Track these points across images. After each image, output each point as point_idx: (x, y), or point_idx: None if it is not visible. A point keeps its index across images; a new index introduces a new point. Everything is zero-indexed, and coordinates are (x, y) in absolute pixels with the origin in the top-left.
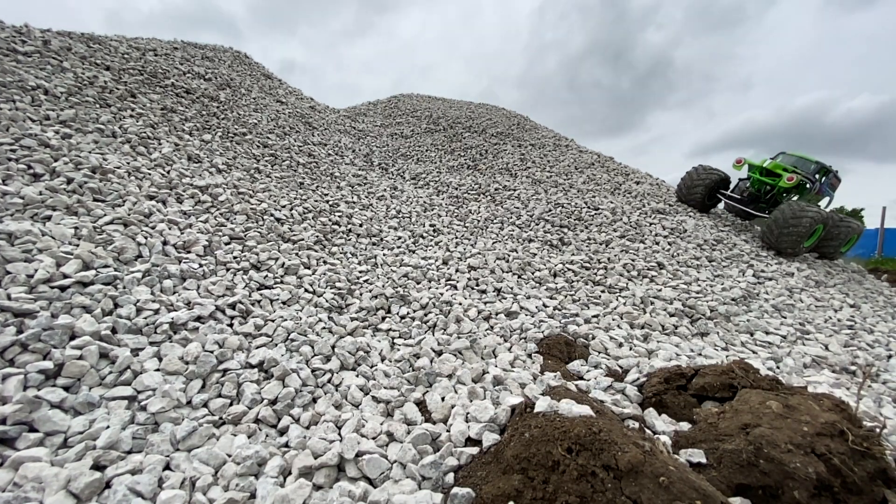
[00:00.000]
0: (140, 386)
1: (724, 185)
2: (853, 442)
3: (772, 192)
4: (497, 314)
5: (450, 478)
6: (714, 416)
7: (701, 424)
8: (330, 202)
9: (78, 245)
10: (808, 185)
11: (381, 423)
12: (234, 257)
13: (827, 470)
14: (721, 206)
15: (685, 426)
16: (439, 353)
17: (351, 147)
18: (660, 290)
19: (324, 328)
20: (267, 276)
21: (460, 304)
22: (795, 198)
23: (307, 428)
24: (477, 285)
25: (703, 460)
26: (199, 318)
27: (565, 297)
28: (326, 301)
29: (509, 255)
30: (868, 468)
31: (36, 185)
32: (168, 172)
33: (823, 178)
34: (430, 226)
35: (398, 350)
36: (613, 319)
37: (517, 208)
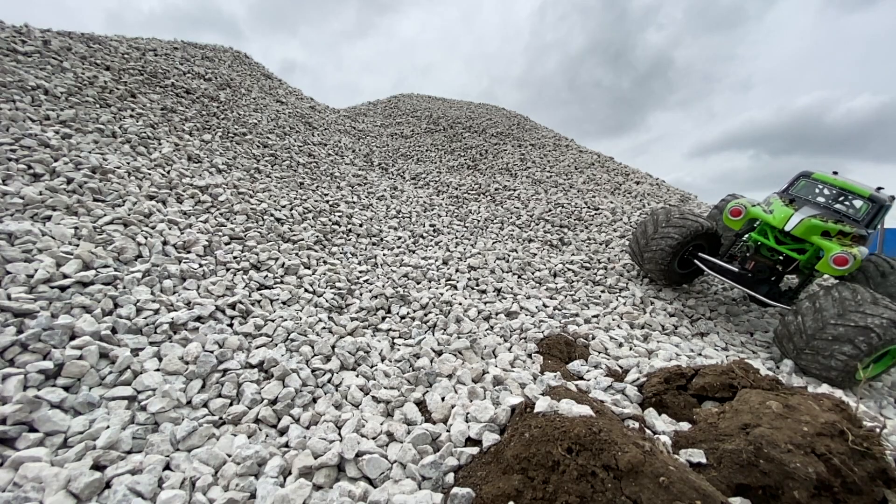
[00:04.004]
0: (140, 386)
1: (711, 244)
2: (853, 442)
3: (796, 262)
4: (497, 314)
5: (450, 478)
6: (714, 416)
7: (701, 424)
8: (330, 202)
9: (78, 245)
10: (868, 268)
11: (381, 423)
12: (234, 257)
13: (827, 470)
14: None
15: (685, 426)
16: (439, 353)
17: (351, 147)
18: (660, 291)
19: (324, 328)
20: (267, 276)
21: (460, 304)
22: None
23: (307, 428)
24: (477, 285)
25: (703, 460)
26: (199, 318)
27: (565, 297)
28: (326, 301)
29: (509, 255)
30: (868, 468)
31: (36, 185)
32: (168, 172)
33: (876, 218)
34: (430, 226)
35: (398, 350)
36: (613, 319)
37: (517, 208)
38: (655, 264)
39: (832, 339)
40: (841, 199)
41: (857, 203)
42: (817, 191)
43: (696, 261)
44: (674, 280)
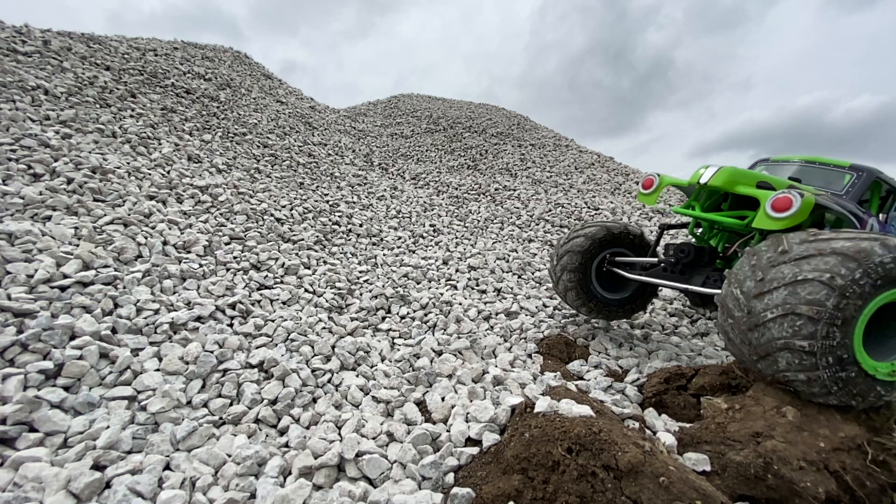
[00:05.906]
0: (140, 386)
1: (634, 249)
2: (873, 455)
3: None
4: (497, 314)
5: (450, 478)
6: (723, 415)
7: (708, 422)
8: (330, 202)
9: (78, 245)
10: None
11: (381, 423)
12: (234, 257)
13: (837, 486)
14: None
15: (685, 426)
16: (439, 353)
17: (351, 147)
18: (660, 291)
19: (324, 328)
20: (267, 276)
21: (460, 304)
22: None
23: (307, 428)
24: (477, 285)
25: (708, 468)
26: (199, 318)
27: None
28: (326, 301)
29: (509, 255)
30: (880, 480)
31: (36, 185)
32: (168, 172)
33: (892, 203)
34: (430, 226)
35: (398, 350)
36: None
37: (517, 208)
38: (566, 292)
39: (766, 322)
40: (804, 171)
41: (835, 175)
42: (778, 170)
43: (614, 268)
44: (610, 312)
